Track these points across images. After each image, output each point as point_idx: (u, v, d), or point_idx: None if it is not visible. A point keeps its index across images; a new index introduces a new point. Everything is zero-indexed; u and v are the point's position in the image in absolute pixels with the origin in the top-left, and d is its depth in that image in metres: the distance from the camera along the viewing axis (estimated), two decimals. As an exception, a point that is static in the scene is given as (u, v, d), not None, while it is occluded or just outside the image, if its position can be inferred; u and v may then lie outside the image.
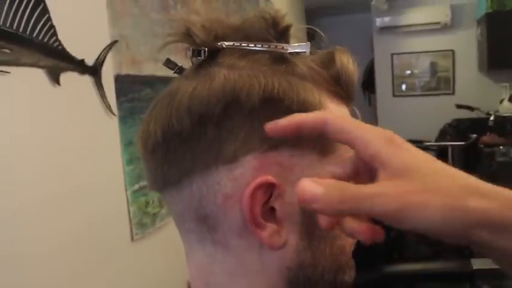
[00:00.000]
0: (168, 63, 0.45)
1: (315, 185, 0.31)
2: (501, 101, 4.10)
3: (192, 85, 0.40)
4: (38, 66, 1.23)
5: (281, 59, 0.42)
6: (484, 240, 0.30)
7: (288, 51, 0.42)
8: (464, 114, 4.30)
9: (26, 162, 1.18)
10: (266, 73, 0.40)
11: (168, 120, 0.40)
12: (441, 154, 3.64)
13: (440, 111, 4.67)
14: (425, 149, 3.99)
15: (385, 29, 5.00)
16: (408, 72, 5.09)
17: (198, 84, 0.40)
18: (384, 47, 5.08)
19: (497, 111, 4.07)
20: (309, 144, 0.41)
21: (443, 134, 4.23)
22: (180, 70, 0.45)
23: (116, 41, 1.52)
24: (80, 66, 1.38)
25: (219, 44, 0.42)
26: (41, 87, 1.25)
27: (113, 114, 1.51)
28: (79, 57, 1.37)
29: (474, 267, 1.62)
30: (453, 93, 4.88)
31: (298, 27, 0.45)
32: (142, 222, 1.64)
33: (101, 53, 1.46)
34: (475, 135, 3.60)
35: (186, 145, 0.40)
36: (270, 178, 0.39)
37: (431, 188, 0.30)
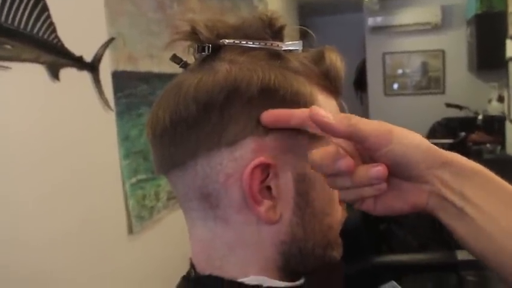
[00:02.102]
0: (174, 59, 0.50)
1: (325, 112, 0.40)
2: (489, 101, 4.17)
3: (197, 77, 0.45)
4: (38, 62, 1.27)
5: (276, 56, 0.47)
6: (444, 181, 0.40)
7: (283, 49, 0.47)
8: (454, 113, 4.38)
9: (25, 156, 1.22)
10: (263, 67, 0.45)
11: (175, 107, 0.45)
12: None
13: (431, 110, 4.74)
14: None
15: (377, 29, 5.06)
16: (400, 71, 5.16)
17: (203, 76, 0.45)
18: (376, 47, 5.15)
19: (486, 110, 4.14)
20: (300, 131, 0.45)
21: (433, 132, 4.30)
22: (185, 65, 0.50)
23: (113, 39, 1.56)
24: (78, 62, 1.41)
25: (221, 41, 0.47)
26: (41, 83, 1.28)
27: (110, 109, 1.55)
28: (78, 53, 1.40)
29: (459, 258, 1.68)
30: (443, 93, 4.96)
31: (292, 28, 0.50)
32: (141, 215, 1.68)
33: (98, 50, 1.50)
34: (463, 133, 3.67)
35: (191, 130, 0.45)
36: (266, 159, 0.44)
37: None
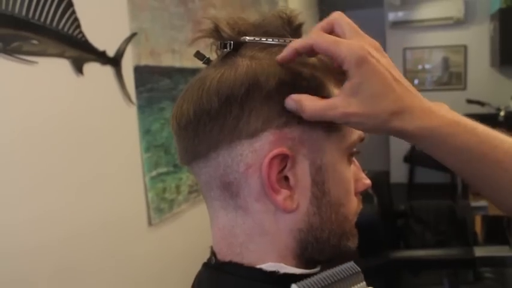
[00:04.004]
0: (198, 55, 0.52)
1: (291, 102, 0.46)
2: (512, 97, 4.10)
3: (220, 72, 0.48)
4: (63, 57, 1.31)
5: None
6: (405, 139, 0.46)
7: None
8: (475, 109, 4.31)
9: (50, 148, 1.26)
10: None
11: (199, 101, 0.48)
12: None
13: (452, 106, 4.47)
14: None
15: (398, 24, 5.01)
16: (420, 67, 5.10)
17: (225, 71, 0.48)
18: (397, 42, 5.10)
19: (508, 106, 4.08)
20: (317, 123, 0.47)
21: (453, 129, 4.24)
22: (208, 61, 0.52)
23: (135, 34, 1.59)
24: (101, 57, 1.45)
25: (242, 38, 0.50)
26: (66, 77, 1.32)
27: (132, 103, 1.58)
28: (101, 48, 1.44)
29: (477, 255, 1.67)
30: (465, 89, 4.89)
31: (311, 25, 0.52)
32: (160, 208, 1.71)
33: (121, 45, 1.53)
34: (485, 130, 3.60)
35: (214, 122, 0.47)
36: (284, 150, 0.46)
37: (368, 112, 0.44)
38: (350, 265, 0.44)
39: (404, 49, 5.10)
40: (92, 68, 1.40)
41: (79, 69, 1.36)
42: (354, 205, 0.52)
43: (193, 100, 0.48)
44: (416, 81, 5.12)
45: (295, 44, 0.46)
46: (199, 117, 0.48)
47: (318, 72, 0.49)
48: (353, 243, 0.52)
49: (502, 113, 3.91)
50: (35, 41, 1.21)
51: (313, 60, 0.49)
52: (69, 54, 1.32)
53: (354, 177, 0.53)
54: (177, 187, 1.84)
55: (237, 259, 0.50)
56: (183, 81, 1.87)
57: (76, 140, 1.34)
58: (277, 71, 0.47)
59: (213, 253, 0.52)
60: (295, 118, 0.47)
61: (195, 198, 1.94)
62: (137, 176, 1.62)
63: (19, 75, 1.17)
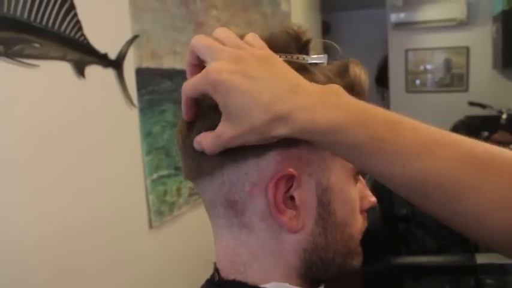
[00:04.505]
0: None
1: (196, 144, 0.46)
2: (514, 99, 4.09)
3: None
4: (65, 60, 1.30)
5: (302, 69, 0.48)
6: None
7: (308, 62, 0.48)
8: (477, 111, 4.30)
9: (51, 151, 1.25)
10: None
11: (202, 118, 0.47)
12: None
13: (453, 108, 4.67)
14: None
15: (400, 25, 4.99)
16: (422, 68, 5.09)
17: None
18: (399, 43, 5.08)
19: (510, 109, 4.07)
20: None
21: (455, 131, 4.19)
22: None
23: (137, 36, 1.58)
24: (103, 59, 1.44)
25: None
26: (67, 80, 1.31)
27: (134, 106, 1.58)
28: (102, 51, 1.43)
29: (478, 262, 1.67)
30: (466, 90, 4.87)
31: (317, 41, 0.51)
32: (161, 211, 1.70)
33: (123, 47, 1.52)
34: (486, 133, 3.61)
35: None
36: (291, 170, 0.46)
37: (245, 130, 0.42)
38: None
39: (407, 50, 5.08)
40: (93, 70, 1.39)
41: (81, 72, 1.35)
42: (359, 224, 0.52)
43: (198, 118, 0.47)
44: (418, 82, 5.11)
45: (186, 91, 0.45)
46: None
47: None
48: (358, 261, 0.52)
49: (504, 116, 3.90)
50: (36, 44, 1.20)
51: (320, 77, 0.48)
52: (70, 57, 1.31)
53: (359, 195, 0.52)
54: (178, 190, 1.83)
55: (240, 278, 0.49)
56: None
57: (77, 143, 1.34)
58: None
59: (216, 270, 0.52)
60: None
61: (196, 201, 1.93)
62: (138, 179, 1.62)
63: (20, 78, 1.16)
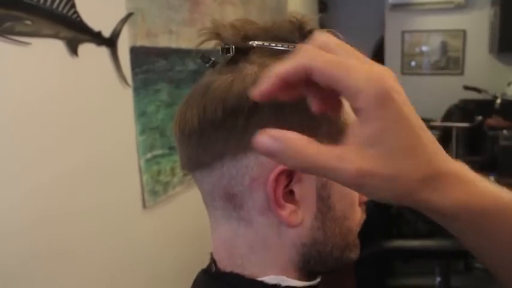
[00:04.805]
0: (203, 58, 0.50)
1: (272, 141, 0.31)
2: (509, 84, 4.09)
3: (227, 80, 0.46)
4: (58, 38, 1.27)
5: None
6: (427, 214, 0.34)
7: None
8: (472, 95, 4.30)
9: (44, 130, 1.23)
10: None
11: (203, 109, 0.46)
12: (446, 134, 3.67)
13: (448, 91, 4.67)
14: (431, 128, 4.02)
15: (398, 6, 4.95)
16: (418, 50, 5.07)
17: (233, 80, 0.45)
18: (395, 24, 5.05)
19: (505, 94, 4.07)
20: (325, 137, 0.46)
21: (449, 114, 4.24)
22: (213, 64, 0.50)
23: (131, 14, 1.55)
24: (97, 38, 1.41)
25: (250, 43, 0.47)
26: (60, 58, 1.29)
27: (128, 85, 1.55)
28: (96, 29, 1.40)
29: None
30: (462, 74, 4.87)
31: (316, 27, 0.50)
32: (155, 190, 1.70)
33: (117, 25, 1.50)
34: (480, 117, 3.62)
35: (218, 132, 0.45)
36: None
37: (392, 174, 0.30)
38: None
39: (403, 32, 5.05)
40: (87, 49, 1.37)
41: (74, 50, 1.32)
42: (358, 216, 0.52)
43: (197, 108, 0.46)
44: (413, 63, 5.09)
45: (281, 69, 0.31)
46: (203, 126, 0.46)
47: None
48: (355, 254, 0.52)
49: (498, 100, 3.91)
50: (28, 21, 1.17)
51: None
52: (63, 35, 1.28)
53: None
54: (172, 169, 1.82)
55: (238, 270, 0.49)
56: (179, 63, 1.83)
57: (70, 122, 1.32)
58: None
59: (213, 260, 0.51)
60: (306, 132, 0.45)
61: (190, 180, 1.93)
62: (132, 159, 1.61)
63: (12, 56, 1.13)
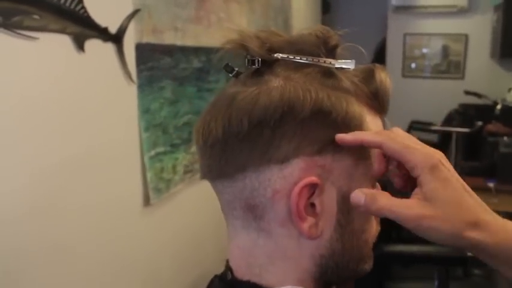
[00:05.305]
0: (227, 67, 0.50)
1: (360, 194, 0.45)
2: (510, 90, 4.10)
3: (253, 92, 0.46)
4: (65, 33, 1.26)
5: (329, 74, 0.47)
6: (473, 252, 0.45)
7: (335, 66, 0.47)
8: (472, 100, 4.32)
9: (50, 125, 1.23)
10: (317, 87, 0.46)
11: (228, 121, 0.46)
12: (445, 139, 3.68)
13: (449, 95, 4.68)
14: (431, 132, 4.02)
15: (401, 8, 4.95)
16: (419, 53, 5.07)
17: (260, 92, 0.46)
18: (398, 26, 5.05)
19: (505, 100, 4.09)
20: (348, 152, 0.47)
21: (449, 119, 4.25)
22: (237, 74, 0.50)
23: (138, 10, 1.55)
24: (103, 33, 1.41)
25: (275, 55, 0.47)
26: (67, 53, 1.28)
27: (132, 81, 1.55)
28: (103, 25, 1.40)
29: (469, 254, 1.69)
30: (463, 78, 4.88)
31: (344, 46, 0.50)
32: (158, 188, 1.70)
33: (123, 22, 1.49)
34: (480, 123, 3.63)
35: (243, 144, 0.46)
36: (314, 179, 0.45)
37: (443, 217, 0.43)
38: None
39: (405, 34, 5.06)
40: (93, 44, 1.36)
41: (80, 45, 1.32)
42: (374, 229, 0.52)
43: (222, 119, 0.46)
44: (413, 66, 5.10)
45: (364, 136, 0.46)
46: (227, 138, 0.46)
47: (352, 98, 0.48)
48: (369, 266, 0.52)
49: (498, 106, 3.92)
50: (36, 16, 1.17)
51: (347, 83, 0.48)
52: (70, 30, 1.28)
53: None
54: (174, 167, 1.82)
55: (255, 279, 0.49)
56: (184, 60, 1.83)
57: (75, 117, 1.32)
58: (314, 98, 0.45)
59: (228, 268, 0.52)
60: (330, 147, 0.46)
61: (190, 178, 1.93)
62: (135, 156, 1.60)
63: (19, 50, 1.13)
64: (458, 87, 4.56)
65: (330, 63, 0.48)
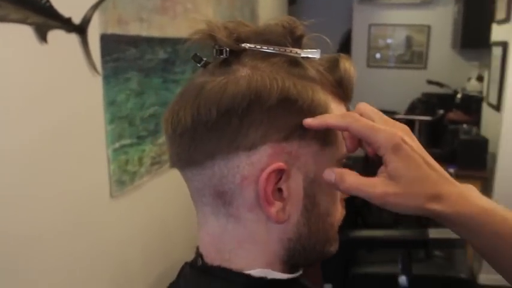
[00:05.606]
0: (195, 57, 0.51)
1: (331, 172, 0.48)
2: (469, 79, 4.24)
3: (221, 81, 0.47)
4: (26, 23, 1.24)
5: (295, 63, 0.49)
6: (438, 220, 0.48)
7: (301, 56, 0.49)
8: (434, 89, 4.44)
9: (12, 115, 1.21)
10: (284, 76, 0.48)
11: (197, 110, 0.47)
12: (409, 127, 3.77)
13: (412, 84, 4.80)
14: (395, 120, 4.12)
15: (366, 0, 5.03)
16: (384, 44, 5.17)
17: (227, 82, 0.47)
18: (363, 17, 5.13)
19: (465, 89, 4.22)
20: (313, 138, 0.49)
21: (413, 107, 4.37)
22: (205, 64, 0.51)
23: (102, 0, 1.52)
24: (67, 24, 1.38)
25: (242, 45, 0.49)
26: (29, 44, 1.26)
27: (97, 73, 1.53)
28: (66, 15, 1.37)
29: (430, 236, 1.76)
30: (425, 68, 5.01)
31: (310, 36, 0.52)
32: (122, 180, 1.69)
33: (87, 12, 1.47)
34: (442, 111, 3.75)
35: (211, 132, 0.47)
36: (281, 165, 0.47)
37: (406, 193, 0.46)
38: None
39: (370, 25, 5.14)
40: (56, 35, 1.34)
41: (43, 36, 1.29)
42: (339, 212, 0.54)
43: (191, 108, 0.47)
44: (378, 56, 5.19)
45: (330, 119, 0.47)
46: (196, 126, 0.47)
47: (318, 86, 0.50)
48: (334, 248, 0.55)
49: (459, 95, 4.04)
50: (-5, 5, 1.14)
51: (312, 72, 0.49)
52: (32, 21, 1.25)
53: None
54: (140, 159, 1.81)
55: (225, 264, 0.51)
56: (150, 51, 1.82)
57: (38, 110, 1.29)
58: (280, 86, 0.47)
59: (199, 254, 0.53)
60: (296, 133, 0.47)
61: (157, 170, 1.92)
62: (100, 148, 1.59)
63: (-21, 41, 1.10)
64: (421, 76, 4.68)
65: (296, 52, 0.49)
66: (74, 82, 1.44)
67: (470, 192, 0.48)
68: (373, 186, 0.46)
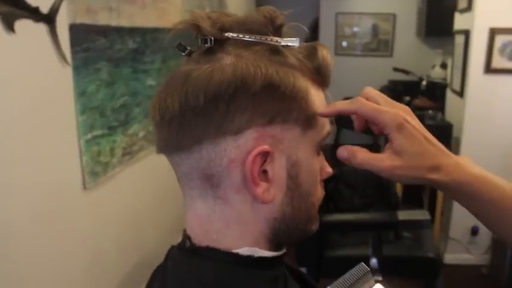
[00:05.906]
0: (179, 47, 0.52)
1: (344, 150, 0.55)
2: (433, 67, 4.35)
3: (207, 69, 0.49)
4: (-7, 13, 1.21)
5: (276, 51, 0.52)
6: (439, 189, 0.55)
7: (282, 44, 0.52)
8: (400, 76, 4.55)
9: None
10: (266, 63, 0.50)
11: (185, 96, 0.49)
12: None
13: (378, 72, 4.90)
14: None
15: (332, -12, 5.08)
16: (350, 32, 5.24)
17: (213, 69, 0.49)
18: (330, 6, 5.18)
19: (429, 76, 4.34)
20: (295, 122, 0.51)
21: (379, 95, 4.45)
22: (189, 53, 0.53)
23: (70, -11, 1.50)
24: (34, 13, 1.36)
25: (226, 34, 0.51)
26: (-4, 34, 1.23)
27: (67, 63, 1.51)
28: (34, 4, 1.35)
29: (400, 218, 1.82)
30: (391, 56, 5.12)
31: (289, 25, 0.54)
32: (95, 171, 1.68)
33: (55, 1, 1.44)
34: (408, 98, 3.84)
35: (199, 118, 0.49)
36: (266, 147, 0.50)
37: (410, 166, 0.52)
38: (361, 266, 0.52)
39: (337, 13, 5.20)
40: (24, 25, 1.31)
41: (10, 26, 1.27)
42: (319, 193, 0.57)
43: (179, 95, 0.49)
44: (345, 44, 5.26)
45: (340, 105, 0.54)
46: (184, 112, 0.49)
47: (298, 72, 0.52)
48: (315, 226, 0.58)
49: (424, 82, 4.15)
50: (-40, -5, 1.11)
51: (292, 60, 0.52)
52: (-2, 10, 1.23)
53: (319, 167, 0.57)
54: (112, 150, 1.80)
55: (213, 244, 0.53)
56: (119, 41, 1.80)
57: (7, 102, 1.27)
58: (264, 73, 0.49)
59: (187, 236, 0.55)
60: (279, 118, 0.50)
61: (129, 161, 1.92)
62: (72, 139, 1.57)
63: None
64: (388, 64, 4.78)
65: (277, 41, 0.52)
66: (44, 73, 1.42)
67: (465, 162, 0.54)
68: (382, 161, 0.52)
